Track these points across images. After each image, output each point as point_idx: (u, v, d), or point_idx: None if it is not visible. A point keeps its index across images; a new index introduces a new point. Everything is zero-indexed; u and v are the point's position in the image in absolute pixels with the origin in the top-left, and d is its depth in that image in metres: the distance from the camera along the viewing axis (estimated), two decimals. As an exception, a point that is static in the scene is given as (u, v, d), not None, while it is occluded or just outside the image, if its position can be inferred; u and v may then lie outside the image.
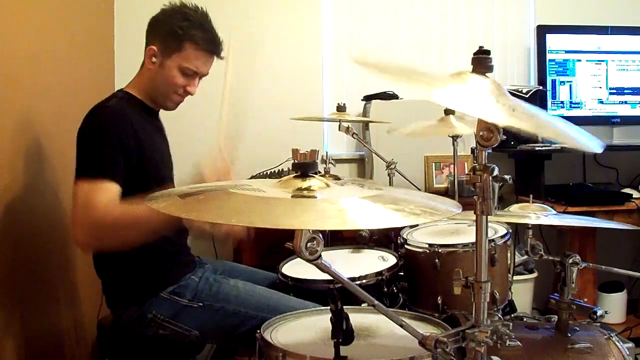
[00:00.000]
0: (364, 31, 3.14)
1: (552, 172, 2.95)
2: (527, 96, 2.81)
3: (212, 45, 1.71)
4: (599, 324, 1.41)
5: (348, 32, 3.14)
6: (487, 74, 0.98)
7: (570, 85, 3.11)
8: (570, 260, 1.39)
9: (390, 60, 0.95)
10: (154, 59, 1.68)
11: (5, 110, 1.69)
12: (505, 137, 0.96)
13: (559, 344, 1.37)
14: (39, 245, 1.90)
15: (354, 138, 2.28)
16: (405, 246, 1.79)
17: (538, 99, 3.00)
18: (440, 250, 1.69)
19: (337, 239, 2.06)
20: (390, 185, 2.29)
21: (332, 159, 2.33)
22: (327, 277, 0.94)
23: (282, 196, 0.94)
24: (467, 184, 2.60)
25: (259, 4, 3.06)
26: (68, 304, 2.13)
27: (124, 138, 1.55)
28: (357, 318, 1.22)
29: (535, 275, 2.85)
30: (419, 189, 2.89)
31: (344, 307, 1.00)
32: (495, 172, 0.94)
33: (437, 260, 1.68)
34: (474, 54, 0.99)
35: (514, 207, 1.65)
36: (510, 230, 1.78)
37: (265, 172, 2.78)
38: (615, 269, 1.60)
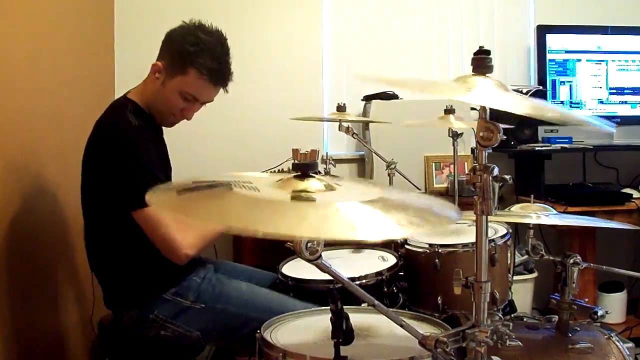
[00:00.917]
0: (363, 31, 3.14)
1: (552, 172, 2.95)
2: (527, 96, 2.81)
3: (216, 77, 1.64)
4: (599, 324, 1.41)
5: (348, 33, 3.14)
6: (487, 74, 0.98)
7: (571, 85, 3.11)
8: (571, 261, 1.39)
9: (395, 75, 0.95)
10: (157, 75, 1.65)
11: (5, 110, 1.69)
12: (505, 137, 0.96)
13: (560, 344, 1.37)
14: (38, 246, 1.90)
15: (354, 138, 2.28)
16: (405, 246, 1.79)
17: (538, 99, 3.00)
18: (440, 250, 1.68)
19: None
20: (390, 185, 2.29)
21: (332, 159, 2.32)
22: (327, 277, 0.94)
23: (281, 198, 0.93)
24: (467, 184, 2.60)
25: (259, 4, 3.06)
26: (68, 304, 2.13)
27: (157, 152, 1.61)
28: (357, 318, 1.22)
29: (535, 275, 2.85)
30: (419, 189, 2.88)
31: (344, 307, 1.00)
32: (495, 172, 0.94)
33: (437, 260, 1.67)
34: (474, 54, 0.99)
35: (515, 207, 1.65)
36: (511, 230, 1.78)
37: (265, 172, 2.78)
38: (616, 269, 1.60)
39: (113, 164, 1.54)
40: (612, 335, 1.41)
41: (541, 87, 3.05)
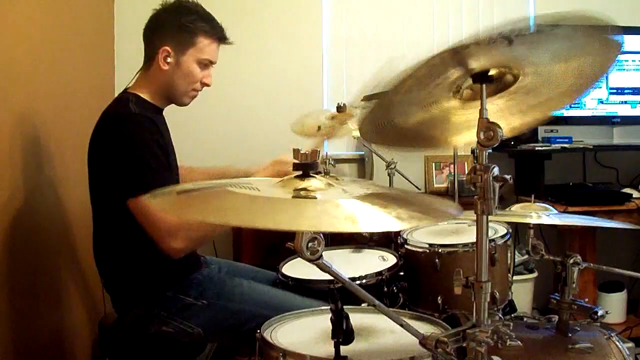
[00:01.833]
0: (364, 31, 3.14)
1: (552, 172, 2.95)
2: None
3: (221, 33, 1.75)
4: (599, 324, 1.41)
5: (348, 33, 3.14)
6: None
7: (570, 85, 3.11)
8: (572, 261, 1.39)
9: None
10: (168, 59, 1.69)
11: (5, 110, 1.69)
12: (505, 137, 0.96)
13: (560, 344, 1.37)
14: (39, 245, 1.90)
15: (354, 138, 2.28)
16: (406, 246, 1.79)
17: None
18: (440, 250, 1.69)
19: (337, 238, 2.06)
20: (390, 185, 2.30)
21: (332, 159, 2.33)
22: (327, 277, 0.94)
23: (283, 196, 0.93)
24: (467, 183, 2.60)
25: (259, 3, 3.06)
26: (68, 304, 2.13)
27: (161, 141, 1.60)
28: (357, 318, 1.22)
29: (535, 275, 2.85)
30: (419, 189, 2.89)
31: (344, 307, 1.00)
32: (496, 172, 0.94)
33: (437, 260, 1.68)
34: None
35: (515, 207, 1.65)
36: (511, 230, 1.78)
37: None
38: (616, 269, 1.60)
39: (113, 154, 1.55)
40: (612, 335, 1.41)
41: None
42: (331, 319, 1.00)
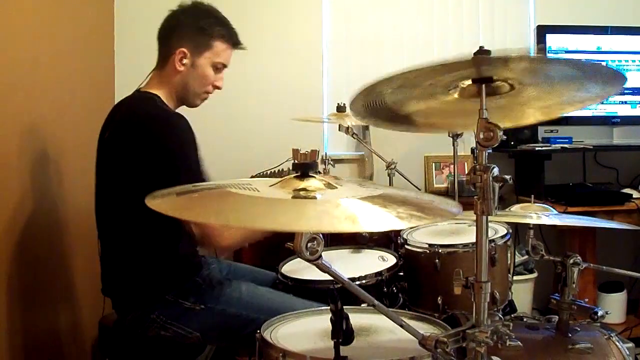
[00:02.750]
0: (364, 31, 3.14)
1: (552, 172, 2.95)
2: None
3: (236, 38, 1.78)
4: (599, 324, 1.41)
5: (348, 32, 3.14)
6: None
7: (571, 85, 3.11)
8: (571, 261, 1.39)
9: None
10: (184, 61, 1.70)
11: (6, 111, 1.69)
12: (505, 137, 0.96)
13: (560, 344, 1.37)
14: (39, 246, 1.90)
15: (354, 138, 2.28)
16: (405, 246, 1.79)
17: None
18: (440, 251, 1.68)
19: (337, 239, 2.06)
20: (390, 185, 2.29)
21: (332, 159, 2.33)
22: (327, 277, 0.94)
23: (282, 196, 0.93)
24: (467, 184, 2.60)
25: (259, 3, 3.06)
26: (68, 304, 2.13)
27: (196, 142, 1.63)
28: (357, 318, 1.22)
29: (535, 275, 2.85)
30: (419, 189, 2.89)
31: (344, 307, 1.00)
32: (495, 172, 0.94)
33: (437, 260, 1.67)
34: (474, 54, 0.99)
35: (515, 207, 1.65)
36: (511, 230, 1.78)
37: (265, 172, 2.78)
38: (616, 269, 1.60)
39: (151, 154, 1.53)
40: (612, 335, 1.41)
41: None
42: (331, 319, 1.00)
